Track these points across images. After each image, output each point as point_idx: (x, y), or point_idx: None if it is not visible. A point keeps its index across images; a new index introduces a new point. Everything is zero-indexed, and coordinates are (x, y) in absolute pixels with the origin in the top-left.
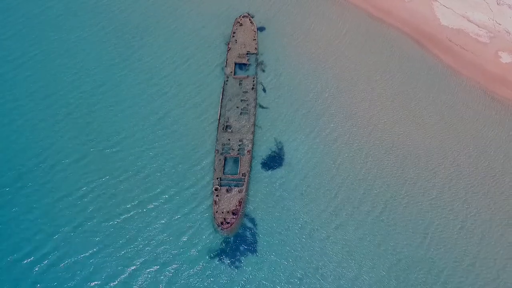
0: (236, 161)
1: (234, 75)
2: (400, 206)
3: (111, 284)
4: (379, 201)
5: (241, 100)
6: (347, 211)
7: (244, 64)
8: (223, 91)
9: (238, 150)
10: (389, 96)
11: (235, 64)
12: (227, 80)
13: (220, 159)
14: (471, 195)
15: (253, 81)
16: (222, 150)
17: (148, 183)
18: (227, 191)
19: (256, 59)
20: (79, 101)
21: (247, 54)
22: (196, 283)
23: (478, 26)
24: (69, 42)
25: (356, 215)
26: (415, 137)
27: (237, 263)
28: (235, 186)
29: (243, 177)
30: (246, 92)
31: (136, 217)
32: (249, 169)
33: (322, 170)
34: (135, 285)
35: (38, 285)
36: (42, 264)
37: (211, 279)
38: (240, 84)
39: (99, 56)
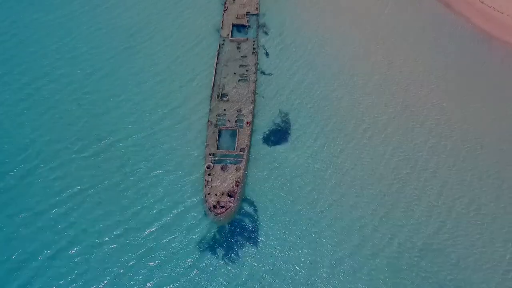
0: (233, 134)
1: (231, 37)
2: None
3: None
4: (395, 186)
5: (240, 66)
6: (364, 197)
7: (243, 26)
8: (218, 55)
9: (236, 121)
10: (412, 65)
11: (233, 25)
12: (223, 44)
13: (213, 132)
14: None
15: (254, 44)
16: (217, 121)
17: (128, 162)
18: (222, 169)
19: (257, 20)
20: (64, 92)
21: (246, 14)
22: (185, 280)
23: None
24: (55, 21)
25: (373, 203)
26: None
27: (233, 255)
28: (231, 163)
29: (241, 153)
30: (245, 56)
31: (123, 211)
32: (248, 144)
33: (337, 148)
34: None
35: None
36: None
37: (203, 275)
38: (238, 47)
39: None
